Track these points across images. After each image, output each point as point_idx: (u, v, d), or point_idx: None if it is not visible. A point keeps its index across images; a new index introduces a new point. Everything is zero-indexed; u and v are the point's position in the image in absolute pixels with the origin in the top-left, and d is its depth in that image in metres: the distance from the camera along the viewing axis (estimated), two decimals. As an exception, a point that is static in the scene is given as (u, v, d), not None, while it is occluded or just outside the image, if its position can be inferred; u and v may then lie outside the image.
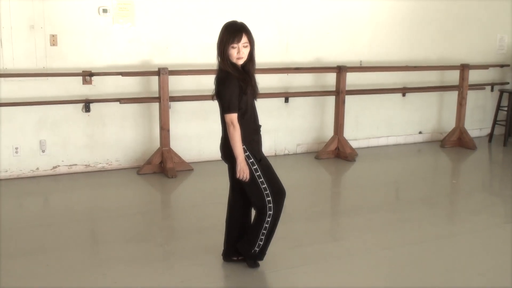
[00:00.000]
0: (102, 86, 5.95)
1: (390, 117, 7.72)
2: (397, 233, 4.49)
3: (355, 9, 7.16)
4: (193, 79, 6.34)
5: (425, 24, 7.66)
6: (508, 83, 8.38)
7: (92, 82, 5.90)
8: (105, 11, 5.82)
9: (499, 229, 4.61)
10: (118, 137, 6.15)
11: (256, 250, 3.63)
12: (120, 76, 5.88)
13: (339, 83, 6.81)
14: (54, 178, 5.86)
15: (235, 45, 3.37)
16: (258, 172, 3.49)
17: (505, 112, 7.93)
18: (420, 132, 8.01)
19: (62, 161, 5.96)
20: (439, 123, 8.13)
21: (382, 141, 7.73)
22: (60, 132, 5.89)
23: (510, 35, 8.34)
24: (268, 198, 3.51)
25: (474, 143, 7.64)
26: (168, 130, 6.02)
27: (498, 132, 8.25)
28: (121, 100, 5.88)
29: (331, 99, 7.06)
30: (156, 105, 6.12)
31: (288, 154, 7.12)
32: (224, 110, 3.41)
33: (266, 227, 3.56)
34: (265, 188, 3.50)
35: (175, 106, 6.28)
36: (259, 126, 3.64)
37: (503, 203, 5.44)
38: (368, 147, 7.58)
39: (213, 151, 6.53)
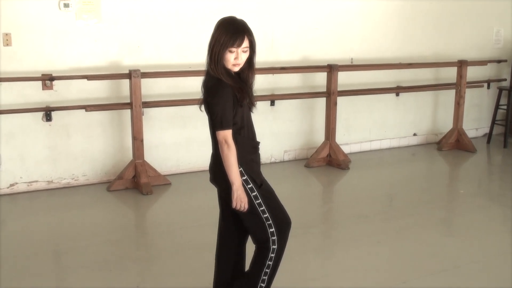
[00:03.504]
0: (65, 91, 5.22)
1: (383, 118, 7.14)
2: (408, 263, 3.87)
3: (344, 1, 6.54)
4: (169, 82, 5.65)
5: (417, 17, 7.09)
6: (505, 79, 7.86)
7: (53, 87, 5.17)
8: (66, 5, 5.08)
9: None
10: (84, 149, 5.43)
11: (256, 293, 2.99)
12: (85, 80, 5.16)
13: (330, 83, 6.19)
14: (12, 197, 5.12)
15: (233, 49, 2.71)
16: (259, 199, 2.84)
17: (504, 111, 7.42)
18: (414, 134, 7.44)
19: (21, 177, 5.22)
20: (434, 124, 7.58)
21: (375, 145, 7.14)
22: (18, 144, 5.15)
23: (506, 28, 7.82)
24: (271, 230, 2.87)
25: (474, 146, 7.10)
26: (142, 140, 5.32)
27: (495, 132, 7.73)
28: (87, 107, 5.15)
29: (321, 101, 6.44)
30: (127, 112, 5.41)
31: (275, 162, 6.48)
32: (216, 126, 2.74)
33: (269, 264, 2.92)
34: (267, 218, 2.86)
35: (149, 113, 5.59)
36: (258, 143, 2.98)
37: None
38: (360, 152, 6.99)
39: (193, 161, 5.93)
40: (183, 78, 5.64)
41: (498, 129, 7.73)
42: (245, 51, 2.77)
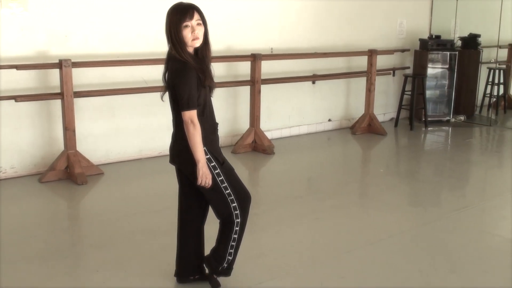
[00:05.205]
0: (-10, 82, 5.06)
1: (301, 105, 7.48)
2: (348, 235, 4.19)
3: (264, -7, 6.79)
4: (97, 72, 5.61)
5: (331, 10, 7.48)
6: (409, 67, 8.48)
7: (-21, 77, 5.00)
8: (-9, -7, 4.93)
9: (442, 222, 4.50)
10: (12, 140, 5.28)
11: (224, 266, 3.16)
12: (13, 70, 5.02)
13: (254, 72, 6.41)
14: None
15: (187, 23, 2.85)
16: (221, 176, 3.03)
17: (409, 97, 8.01)
18: (329, 120, 7.85)
19: None
20: (347, 110, 8.04)
21: (294, 131, 7.47)
22: None
23: (408, 20, 8.43)
24: (234, 204, 3.07)
25: (384, 129, 7.63)
26: (74, 131, 5.27)
27: (401, 116, 8.30)
28: (17, 98, 5.01)
29: (244, 89, 6.65)
30: (56, 102, 5.33)
31: (201, 150, 6.60)
32: (183, 106, 2.88)
33: (234, 238, 3.12)
34: (229, 194, 3.05)
35: (77, 103, 5.51)
36: (217, 124, 3.16)
37: (433, 191, 5.39)
38: (281, 138, 7.28)
39: (122, 151, 5.96)
40: (111, 68, 5.62)
41: (403, 113, 8.32)
42: (199, 24, 2.91)
